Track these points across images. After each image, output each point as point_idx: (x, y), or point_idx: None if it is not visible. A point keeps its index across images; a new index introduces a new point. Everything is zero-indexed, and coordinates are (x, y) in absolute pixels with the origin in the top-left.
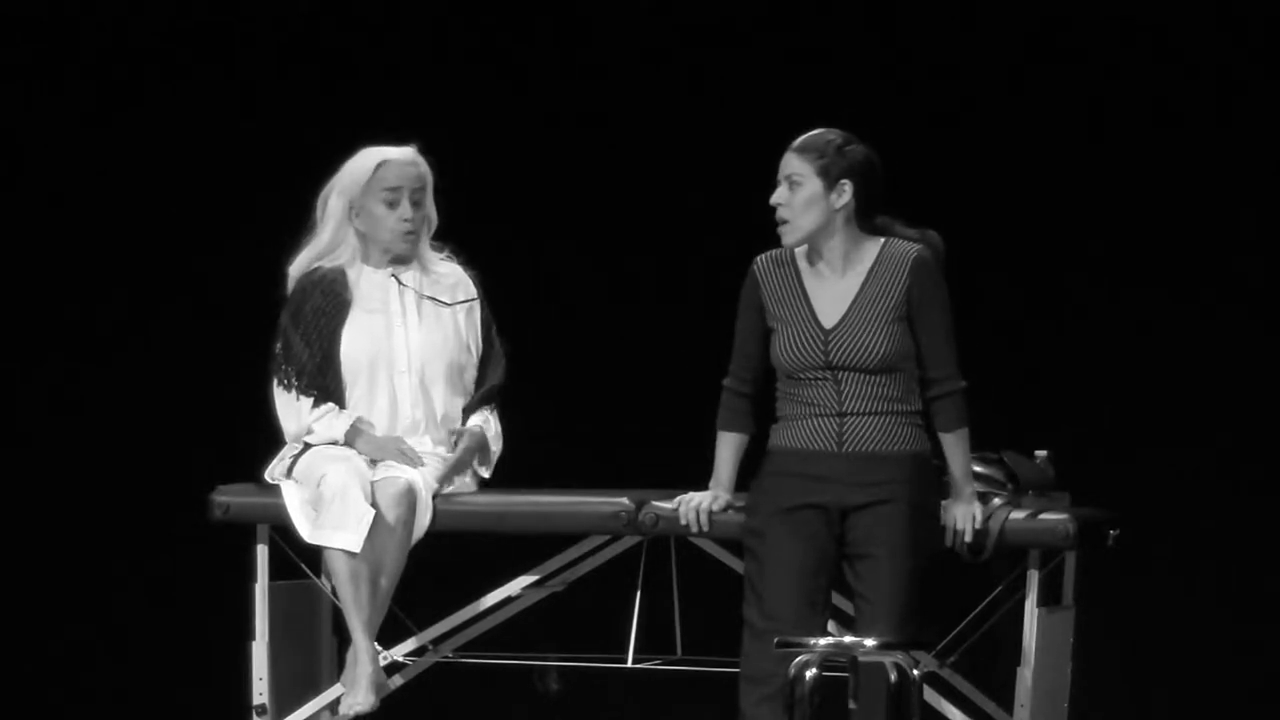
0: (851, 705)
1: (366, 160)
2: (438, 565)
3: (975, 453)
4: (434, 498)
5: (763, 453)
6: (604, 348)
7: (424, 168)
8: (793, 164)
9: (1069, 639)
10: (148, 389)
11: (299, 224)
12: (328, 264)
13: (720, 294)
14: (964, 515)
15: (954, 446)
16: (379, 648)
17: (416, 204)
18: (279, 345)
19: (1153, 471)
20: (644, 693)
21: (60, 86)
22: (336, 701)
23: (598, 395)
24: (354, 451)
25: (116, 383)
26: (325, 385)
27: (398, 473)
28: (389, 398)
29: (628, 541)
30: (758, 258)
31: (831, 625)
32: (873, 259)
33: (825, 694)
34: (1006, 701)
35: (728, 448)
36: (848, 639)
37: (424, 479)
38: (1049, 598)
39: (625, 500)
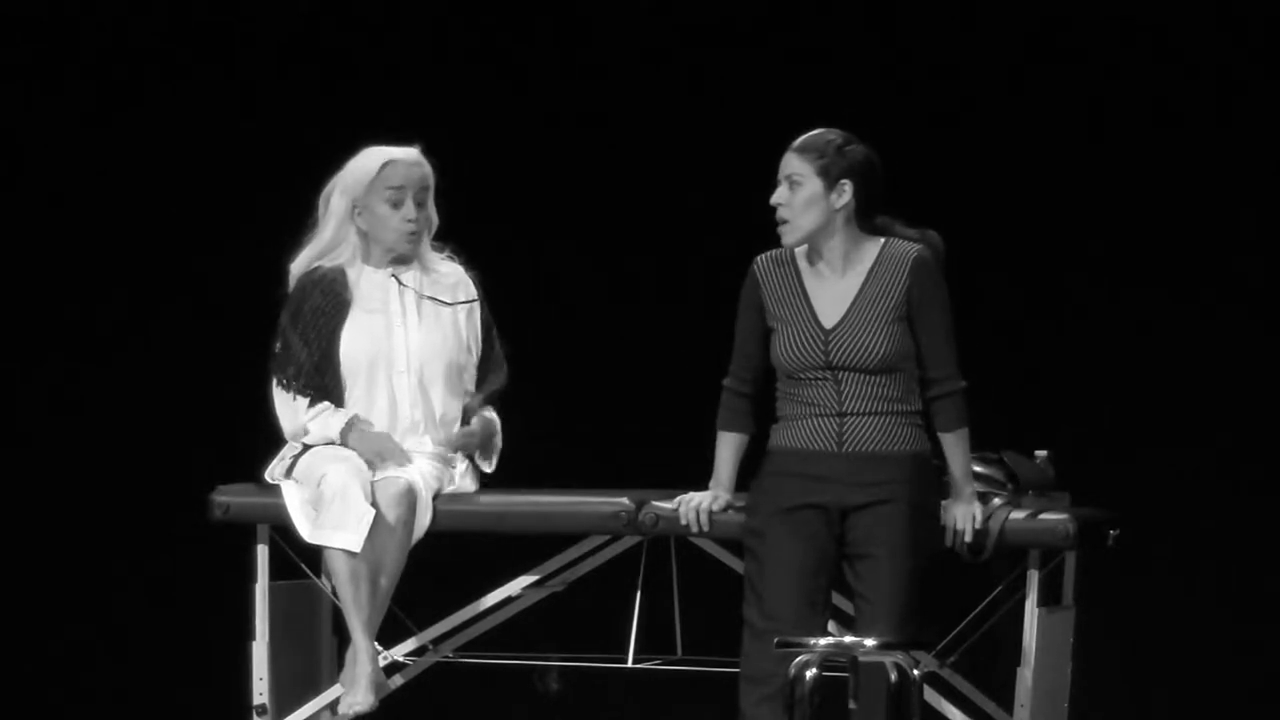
0: (851, 705)
1: (371, 160)
2: (438, 565)
3: (975, 453)
4: (434, 498)
5: (763, 453)
6: (604, 348)
7: (427, 168)
8: (793, 164)
9: (1069, 639)
10: (148, 389)
11: (299, 224)
12: (328, 263)
13: (720, 294)
14: (964, 515)
15: (954, 446)
16: (379, 647)
17: (420, 204)
18: (278, 345)
19: (1153, 471)
20: (644, 693)
21: (60, 86)
22: (336, 701)
23: (598, 395)
24: (354, 451)
25: (116, 383)
26: (324, 385)
27: (398, 473)
28: (388, 398)
29: (628, 541)
30: (758, 258)
31: (831, 625)
32: (873, 259)
33: (825, 694)
34: (1006, 701)
35: (728, 448)
36: (848, 639)
37: (424, 479)
38: (1049, 598)
39: (625, 500)
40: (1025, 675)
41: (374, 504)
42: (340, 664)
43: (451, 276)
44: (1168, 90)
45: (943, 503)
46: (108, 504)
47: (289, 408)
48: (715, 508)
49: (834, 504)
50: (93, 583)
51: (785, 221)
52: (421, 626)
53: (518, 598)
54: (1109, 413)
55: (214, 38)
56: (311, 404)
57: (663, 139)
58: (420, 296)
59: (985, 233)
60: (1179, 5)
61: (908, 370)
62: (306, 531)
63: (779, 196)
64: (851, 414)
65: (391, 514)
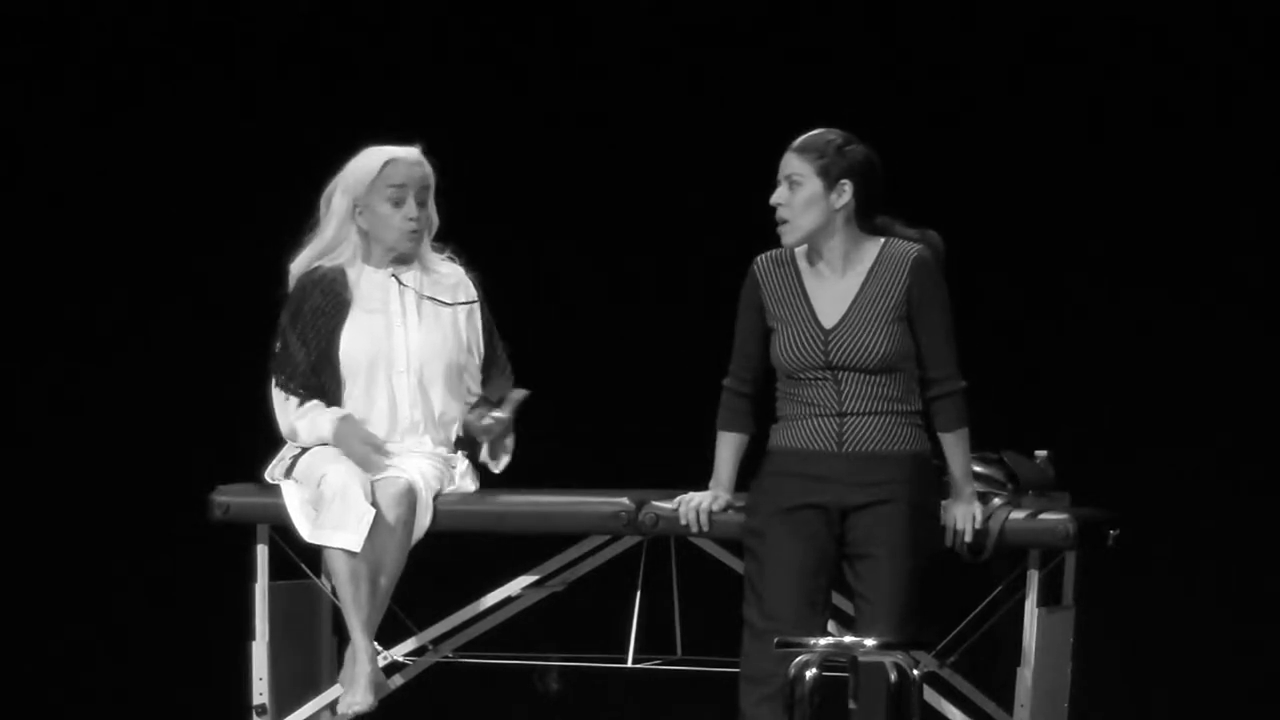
0: (851, 705)
1: (372, 159)
2: (438, 565)
3: (975, 453)
4: (434, 498)
5: (763, 453)
6: (604, 348)
7: (428, 168)
8: (793, 164)
9: (1069, 639)
10: (148, 389)
11: (299, 224)
12: (328, 263)
13: (720, 294)
14: (964, 515)
15: (954, 446)
16: (379, 647)
17: (421, 204)
18: (277, 344)
19: (1153, 471)
20: (644, 693)
21: (60, 86)
22: (336, 701)
23: (598, 395)
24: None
25: (116, 383)
26: (321, 385)
27: (398, 473)
28: (388, 398)
29: (628, 541)
30: (758, 258)
31: (831, 625)
32: (873, 259)
33: (825, 694)
34: (1006, 701)
35: (728, 448)
36: (848, 639)
37: (424, 479)
38: (1049, 598)
39: (625, 500)
40: (1025, 675)
41: (374, 504)
42: (340, 664)
43: (452, 277)
44: (1168, 90)
45: (943, 503)
46: (108, 504)
47: (282, 408)
48: (715, 508)
49: (834, 504)
50: (93, 583)
51: (785, 221)
52: (421, 626)
53: (518, 598)
54: (1109, 413)
55: (214, 38)
56: (301, 404)
57: (663, 139)
58: (420, 296)
59: (985, 233)
60: (1179, 5)
61: (908, 370)
62: (306, 531)
63: (779, 196)
64: (851, 414)
65: (391, 514)
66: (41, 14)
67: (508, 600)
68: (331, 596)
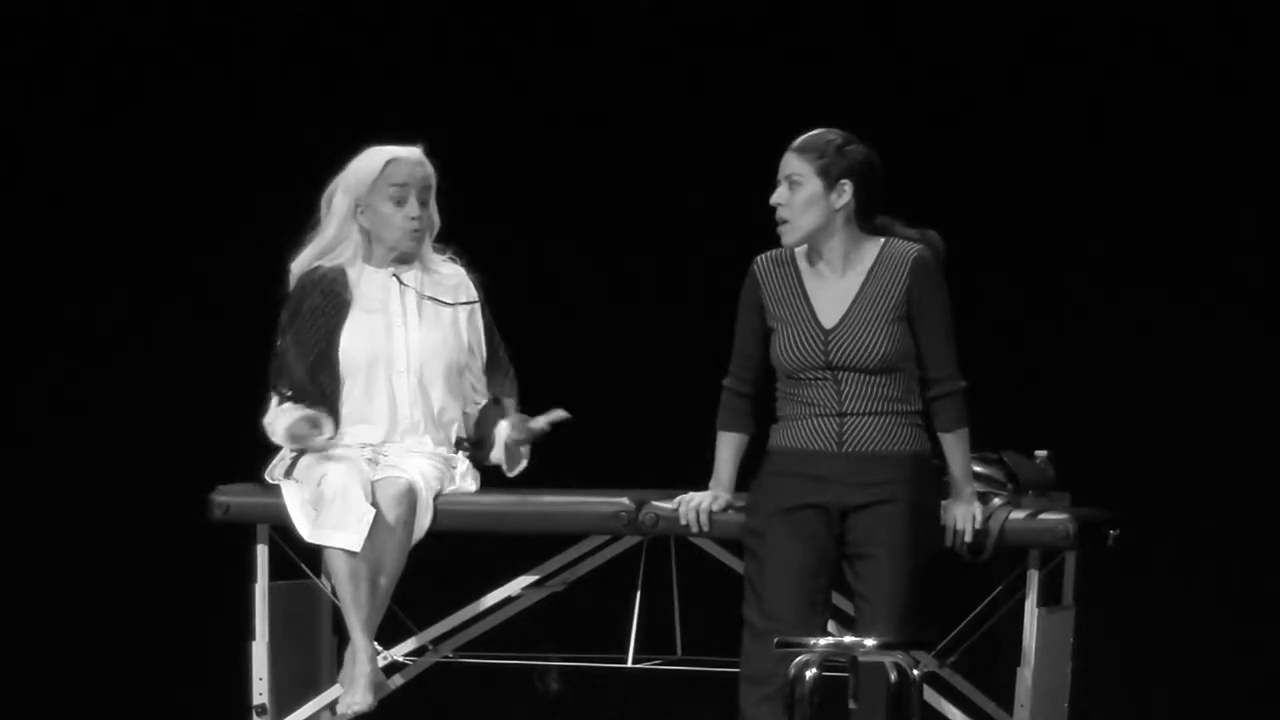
0: (851, 705)
1: (374, 158)
2: (438, 565)
3: (975, 453)
4: (434, 498)
5: (763, 453)
6: (604, 348)
7: (430, 168)
8: (793, 164)
9: (1069, 639)
10: (148, 389)
11: (299, 224)
12: (329, 262)
13: (720, 294)
14: (964, 515)
15: (954, 446)
16: (379, 647)
17: (423, 203)
18: (277, 344)
19: (1153, 471)
20: (644, 693)
21: (60, 86)
22: (336, 701)
23: (598, 395)
24: (355, 451)
25: (116, 383)
26: (317, 386)
27: (398, 473)
28: (388, 398)
29: (628, 541)
30: (758, 258)
31: (831, 625)
32: (873, 259)
33: (825, 694)
34: (1006, 701)
35: (728, 448)
36: (848, 639)
37: (424, 479)
38: (1049, 598)
39: (625, 500)
40: (1025, 675)
41: (374, 504)
42: (340, 664)
43: (453, 278)
44: (1168, 90)
45: (943, 503)
46: (108, 504)
47: (268, 405)
48: (715, 508)
49: (834, 504)
50: (93, 583)
51: (785, 221)
52: (421, 626)
53: (518, 598)
54: (1109, 413)
55: (214, 38)
56: (280, 404)
57: (663, 139)
58: (421, 297)
59: (985, 233)
60: (1179, 5)
61: (908, 370)
62: (306, 531)
63: (779, 196)
64: (851, 414)
65: (391, 514)
66: (41, 14)
67: (508, 600)
68: (331, 596)
